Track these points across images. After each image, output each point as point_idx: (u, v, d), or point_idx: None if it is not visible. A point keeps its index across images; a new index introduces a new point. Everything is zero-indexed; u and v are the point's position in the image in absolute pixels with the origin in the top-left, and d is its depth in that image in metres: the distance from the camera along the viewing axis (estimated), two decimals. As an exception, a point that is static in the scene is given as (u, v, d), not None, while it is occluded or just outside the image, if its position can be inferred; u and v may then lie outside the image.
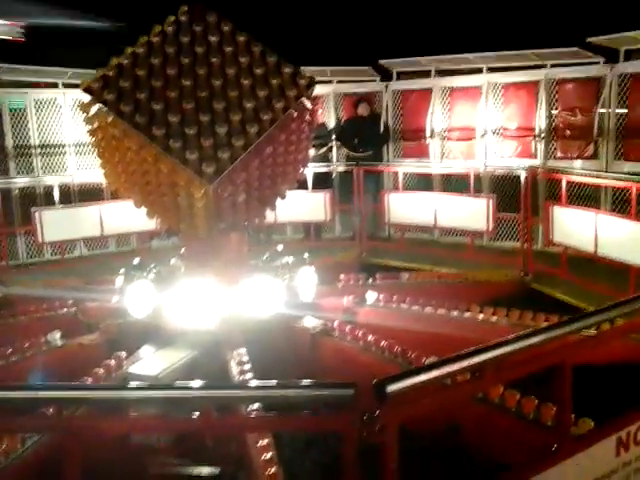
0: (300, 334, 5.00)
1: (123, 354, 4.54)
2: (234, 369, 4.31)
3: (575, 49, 8.12)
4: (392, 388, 1.97)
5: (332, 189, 8.87)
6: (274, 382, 2.30)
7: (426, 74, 9.31)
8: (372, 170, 8.78)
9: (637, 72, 7.60)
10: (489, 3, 13.62)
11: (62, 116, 8.82)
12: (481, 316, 5.30)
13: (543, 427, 3.34)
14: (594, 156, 8.04)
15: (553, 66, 8.33)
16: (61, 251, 8.29)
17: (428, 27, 13.58)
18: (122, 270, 5.24)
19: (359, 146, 9.12)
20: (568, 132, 8.25)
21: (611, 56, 7.92)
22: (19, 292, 6.33)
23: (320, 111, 9.41)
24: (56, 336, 4.87)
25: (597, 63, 7.99)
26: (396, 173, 8.90)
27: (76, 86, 6.70)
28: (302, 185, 8.22)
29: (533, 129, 8.42)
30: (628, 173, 7.28)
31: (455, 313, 5.37)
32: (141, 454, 3.33)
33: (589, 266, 6.59)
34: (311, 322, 5.09)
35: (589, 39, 7.90)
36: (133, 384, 2.73)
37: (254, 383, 2.75)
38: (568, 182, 7.15)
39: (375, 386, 1.96)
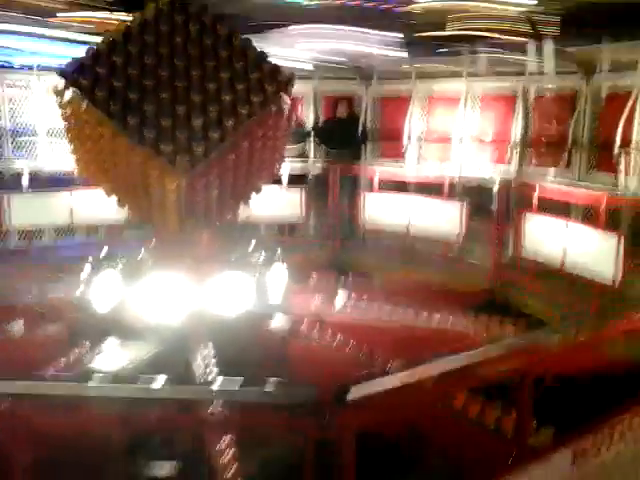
0: (268, 333, 4.97)
1: (84, 347, 4.45)
2: (199, 366, 4.27)
3: (553, 60, 8.21)
4: (353, 393, 1.96)
5: (307, 187, 8.84)
6: (237, 384, 2.27)
7: (407, 75, 9.33)
8: (349, 170, 8.77)
9: (612, 85, 7.72)
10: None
11: (35, 100, 8.61)
12: (450, 322, 5.34)
13: (503, 436, 3.37)
14: (567, 166, 8.16)
15: (531, 74, 8.42)
16: (28, 238, 8.10)
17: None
18: (89, 260, 5.14)
19: (337, 146, 9.11)
20: (543, 141, 8.35)
21: (589, 68, 8.03)
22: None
23: (299, 108, 9.36)
24: (17, 326, 4.75)
25: (574, 73, 8.10)
26: (372, 174, 8.91)
27: (51, 69, 6.56)
28: (277, 181, 8.17)
29: (509, 137, 8.50)
30: (600, 184, 7.40)
31: (423, 318, 5.40)
32: (99, 451, 3.26)
33: (557, 277, 6.68)
34: (280, 321, 5.06)
35: (568, 49, 8.00)
36: (93, 379, 2.67)
37: (217, 382, 2.71)
38: (541, 192, 7.23)
39: (336, 391, 1.95)
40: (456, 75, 8.96)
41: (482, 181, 8.08)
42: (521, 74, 8.45)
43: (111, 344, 4.59)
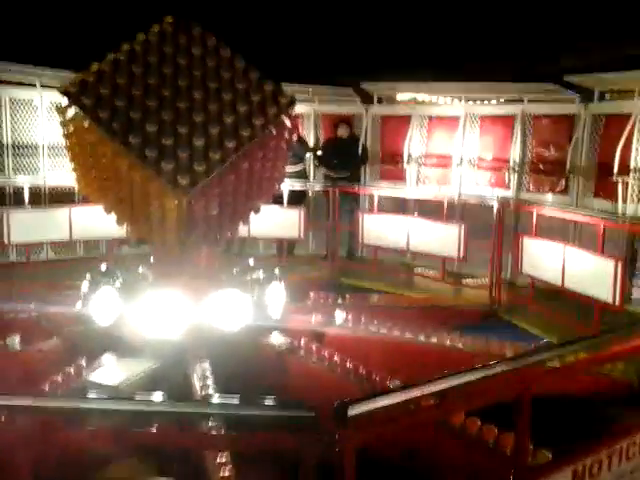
0: (266, 351, 4.96)
1: (83, 362, 4.44)
2: (196, 383, 4.25)
3: (552, 86, 8.33)
4: (353, 411, 1.96)
5: (307, 207, 8.89)
6: (235, 400, 2.27)
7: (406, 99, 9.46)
8: (348, 191, 8.83)
9: (610, 113, 7.83)
10: (473, 34, 13.89)
11: (38, 117, 8.69)
12: (448, 342, 5.33)
13: (502, 456, 3.36)
14: (565, 191, 8.23)
15: (530, 101, 8.54)
16: (27, 254, 8.11)
17: (411, 53, 13.79)
18: (88, 276, 5.15)
19: (337, 167, 9.18)
20: (541, 166, 8.44)
21: (587, 94, 8.15)
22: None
23: (300, 129, 9.46)
24: (15, 340, 4.74)
25: (572, 101, 8.21)
26: (372, 195, 8.97)
27: (55, 87, 6.63)
28: (277, 201, 8.23)
29: (508, 161, 8.59)
30: (597, 210, 7.46)
31: (422, 338, 5.39)
32: (98, 467, 3.24)
33: (557, 298, 6.70)
34: (278, 339, 5.06)
35: (566, 77, 8.12)
36: (91, 395, 2.66)
37: (215, 400, 2.71)
38: (539, 215, 7.29)
39: (336, 409, 1.96)
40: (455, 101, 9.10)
41: (481, 200, 8.13)
42: (520, 100, 8.57)
43: (109, 359, 4.58)
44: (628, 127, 7.29)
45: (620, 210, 7.36)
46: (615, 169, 7.44)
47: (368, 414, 2.01)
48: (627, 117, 7.36)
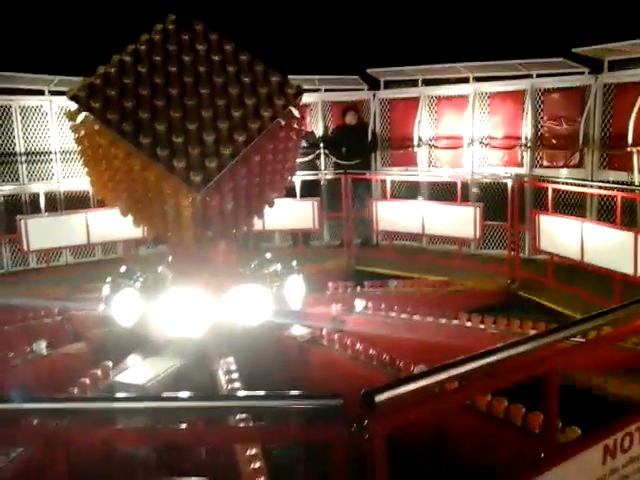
0: (288, 343, 4.99)
1: (109, 363, 4.50)
2: (222, 378, 4.29)
3: (560, 59, 8.21)
4: (380, 398, 1.96)
5: (320, 197, 8.88)
6: (261, 393, 2.29)
7: (414, 83, 9.37)
8: (360, 178, 8.80)
9: (620, 82, 7.71)
10: (478, 13, 13.74)
11: (48, 123, 8.76)
12: (469, 324, 5.32)
13: (531, 435, 3.35)
14: (579, 165, 8.13)
15: (539, 76, 8.42)
16: (46, 259, 8.21)
17: (416, 35, 13.68)
18: (108, 278, 5.20)
19: (347, 154, 9.15)
20: (554, 141, 8.34)
21: (596, 66, 8.02)
22: (3, 301, 6.25)
23: (308, 119, 9.43)
24: (42, 345, 4.81)
25: (582, 73, 8.09)
26: (384, 181, 8.93)
27: (63, 93, 6.66)
28: (290, 193, 8.23)
29: (519, 138, 8.49)
30: (613, 182, 7.37)
31: (443, 321, 5.38)
32: (129, 466, 3.29)
33: (575, 274, 6.65)
34: (299, 331, 5.08)
35: (574, 50, 8.00)
36: (119, 396, 2.70)
37: (241, 394, 2.73)
38: (554, 190, 7.21)
39: (363, 396, 1.96)
40: (462, 80, 9.00)
41: (495, 179, 8.05)
42: (529, 76, 8.46)
43: (135, 359, 4.63)
44: (640, 96, 7.18)
45: (637, 181, 7.26)
46: (629, 139, 7.33)
47: (395, 400, 2.01)
48: (639, 85, 7.23)
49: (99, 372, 4.35)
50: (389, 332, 5.15)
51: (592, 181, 7.72)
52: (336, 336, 4.90)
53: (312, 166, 9.32)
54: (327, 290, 6.30)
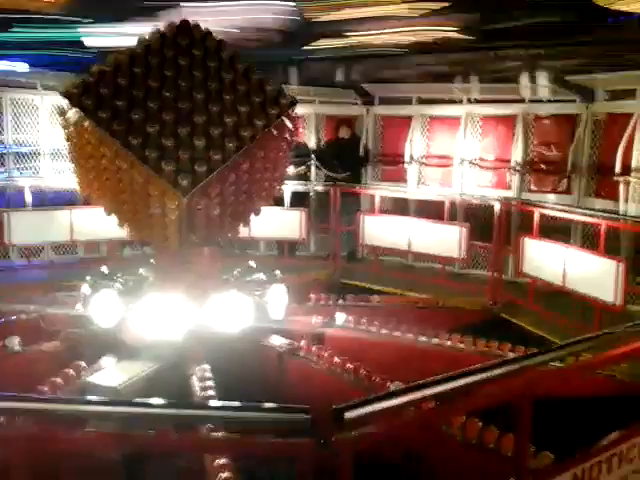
0: (266, 353, 4.96)
1: (82, 363, 4.44)
2: (196, 385, 4.25)
3: (553, 86, 8.31)
4: (350, 415, 1.95)
5: (308, 208, 8.88)
6: (232, 403, 2.26)
7: (407, 100, 9.43)
8: (350, 192, 8.82)
9: (611, 112, 7.80)
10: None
11: (39, 118, 8.69)
12: (448, 343, 5.32)
13: (502, 458, 3.34)
14: (567, 191, 8.20)
15: (531, 101, 8.51)
16: (27, 254, 8.11)
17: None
18: (88, 278, 5.15)
19: (339, 167, 9.17)
20: (543, 166, 8.41)
21: (588, 95, 8.12)
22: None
23: (301, 130, 9.45)
24: (14, 341, 4.74)
25: (573, 101, 8.19)
26: (373, 196, 8.95)
27: (56, 89, 6.62)
28: (279, 202, 8.22)
29: (509, 161, 8.56)
30: (599, 210, 7.44)
31: (423, 339, 5.38)
32: (96, 470, 3.24)
33: (557, 299, 6.68)
34: (278, 341, 5.05)
35: (567, 77, 8.10)
36: (88, 398, 2.66)
37: (212, 403, 2.70)
38: (541, 215, 7.26)
39: (333, 412, 1.94)
40: (456, 101, 9.07)
41: (483, 200, 8.10)
42: (521, 101, 8.54)
43: (110, 360, 4.58)
44: (629, 127, 7.27)
45: (622, 210, 7.33)
46: (617, 169, 7.41)
47: (366, 417, 2.00)
48: (628, 117, 7.33)
49: (71, 372, 4.29)
50: (368, 347, 5.13)
51: (578, 208, 7.78)
52: (314, 348, 4.88)
53: (302, 176, 9.32)
54: (309, 301, 6.28)
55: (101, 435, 2.49)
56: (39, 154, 8.71)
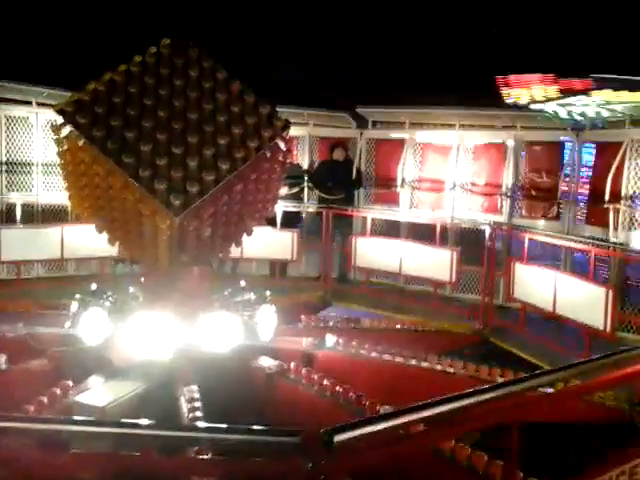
0: (255, 374, 4.92)
1: (70, 382, 4.38)
2: (184, 406, 4.20)
3: (544, 114, 8.44)
4: (339, 438, 1.94)
5: (301, 229, 8.89)
6: (220, 426, 2.24)
7: (401, 124, 9.52)
8: (342, 214, 8.85)
9: (600, 141, 7.92)
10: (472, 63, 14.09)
11: (33, 135, 8.70)
12: (438, 367, 5.30)
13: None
14: (557, 218, 8.28)
15: (523, 128, 8.62)
16: (17, 271, 8.05)
17: (408, 78, 13.97)
18: (77, 295, 5.11)
19: (332, 189, 9.20)
20: (534, 192, 8.49)
21: (577, 123, 8.26)
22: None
23: (295, 152, 9.50)
24: (1, 359, 4.68)
25: (564, 129, 8.31)
26: (365, 218, 8.98)
27: (50, 106, 6.64)
28: (271, 222, 8.23)
29: (500, 186, 8.64)
30: (589, 237, 7.50)
31: (413, 362, 5.36)
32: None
33: (547, 324, 6.70)
34: (267, 362, 5.01)
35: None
36: (77, 418, 2.62)
37: (200, 425, 2.68)
38: (531, 241, 7.31)
39: (322, 435, 1.93)
40: (448, 125, 9.17)
41: (474, 225, 8.15)
42: (513, 127, 8.66)
43: (97, 380, 4.52)
44: (619, 155, 7.37)
45: (611, 237, 7.40)
46: (607, 196, 7.49)
47: (355, 440, 1.99)
48: (618, 145, 7.44)
49: (58, 391, 4.23)
50: (358, 370, 5.11)
51: (569, 233, 7.85)
52: (304, 370, 4.85)
53: (295, 197, 9.35)
54: (299, 322, 6.25)
55: (87, 456, 2.46)
56: (32, 170, 8.69)
